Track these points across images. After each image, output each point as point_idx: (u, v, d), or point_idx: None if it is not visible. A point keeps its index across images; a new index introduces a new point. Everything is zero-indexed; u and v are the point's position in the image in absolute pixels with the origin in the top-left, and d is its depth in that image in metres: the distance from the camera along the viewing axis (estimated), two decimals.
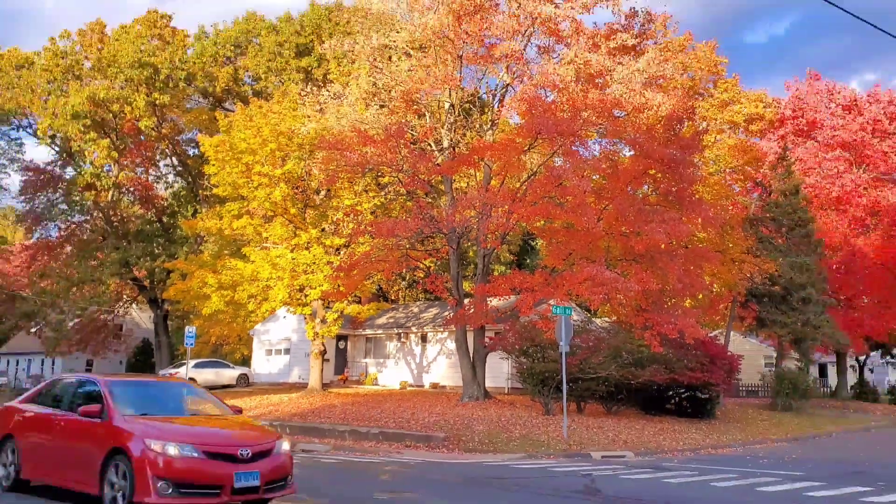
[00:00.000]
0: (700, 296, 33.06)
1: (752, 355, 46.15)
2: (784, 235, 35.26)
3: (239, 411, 10.91)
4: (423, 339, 38.51)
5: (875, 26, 12.85)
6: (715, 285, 33.07)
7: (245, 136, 30.67)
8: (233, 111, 38.37)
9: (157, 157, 49.55)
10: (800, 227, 35.29)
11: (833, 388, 45.98)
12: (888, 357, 49.78)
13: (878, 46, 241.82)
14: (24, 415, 10.78)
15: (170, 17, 46.51)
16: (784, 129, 44.05)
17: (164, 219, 49.15)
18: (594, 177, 26.91)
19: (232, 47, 46.36)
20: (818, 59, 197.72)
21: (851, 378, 46.93)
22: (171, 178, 51.50)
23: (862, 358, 47.87)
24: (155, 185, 50.85)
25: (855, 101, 44.85)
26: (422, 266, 32.28)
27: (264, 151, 30.34)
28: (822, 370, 55.19)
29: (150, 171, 49.94)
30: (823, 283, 35.41)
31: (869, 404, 40.46)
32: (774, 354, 38.34)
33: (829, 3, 11.55)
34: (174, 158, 49.48)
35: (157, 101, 42.33)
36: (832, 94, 45.28)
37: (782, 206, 35.63)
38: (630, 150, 27.21)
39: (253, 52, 44.66)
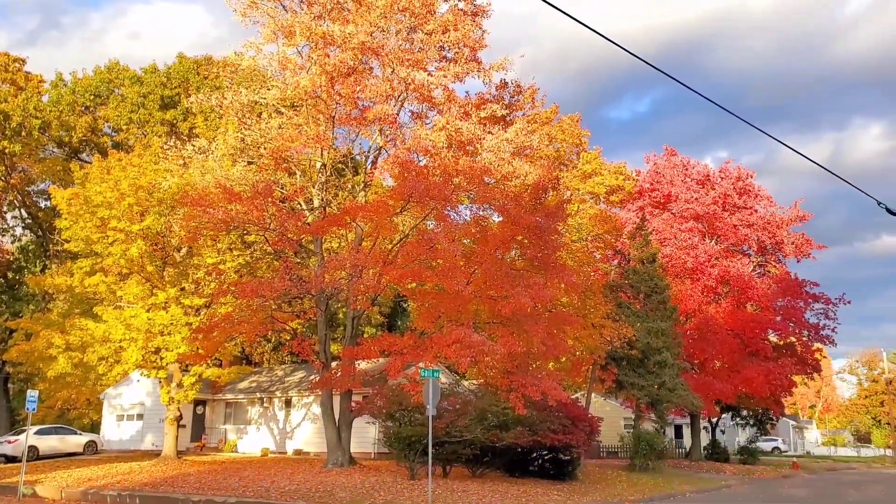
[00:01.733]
0: (563, 359, 34.02)
1: (612, 417, 47.70)
2: (642, 301, 36.96)
3: None
4: (288, 403, 37.49)
5: (725, 109, 13.95)
6: (577, 349, 33.97)
7: (102, 190, 29.35)
8: (90, 163, 36.81)
9: (4, 209, 46.62)
10: (656, 294, 37.12)
11: (688, 449, 47.97)
12: (738, 419, 52.47)
13: (729, 126, 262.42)
14: None
15: (23, 61, 44.48)
16: (642, 201, 46.71)
17: (9, 274, 46.01)
18: (464, 241, 27.34)
19: (92, 96, 44.70)
20: (677, 135, 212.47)
21: (705, 439, 49.16)
22: (18, 231, 48.46)
23: (714, 420, 50.28)
24: (0, 238, 47.70)
25: (707, 176, 48.24)
26: (288, 328, 31.62)
27: (122, 206, 29.08)
28: (678, 431, 57.62)
29: None
30: (678, 347, 37.24)
31: (721, 464, 42.42)
32: (633, 416, 39.73)
33: (685, 86, 12.50)
34: (23, 210, 46.76)
35: (7, 150, 40.11)
36: (687, 169, 48.50)
37: (640, 273, 37.44)
38: (499, 217, 27.93)
39: (114, 102, 43.22)
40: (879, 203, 18.31)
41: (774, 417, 53.66)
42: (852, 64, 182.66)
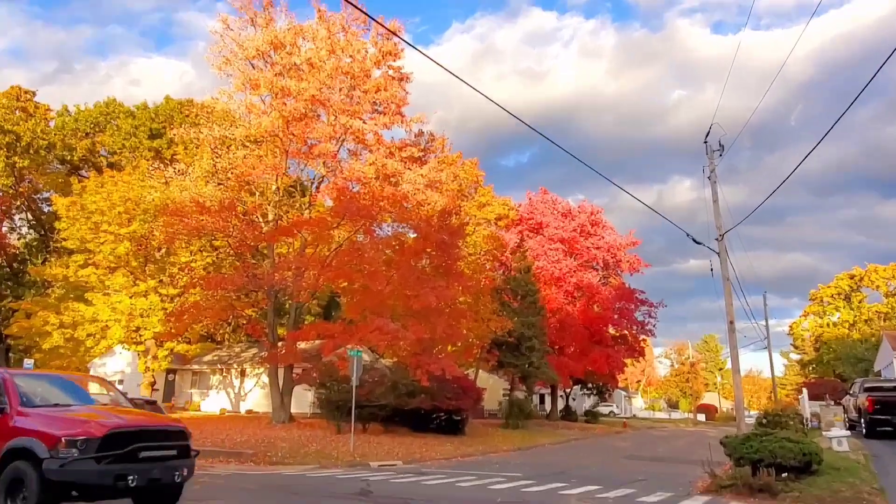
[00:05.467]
0: (459, 343, 34.02)
1: (494, 387, 47.86)
2: (519, 301, 37.29)
3: None
4: (242, 373, 36.27)
5: (583, 162, 14.38)
6: (469, 336, 33.95)
7: (96, 199, 27.89)
8: (88, 178, 34.73)
9: (13, 212, 43.40)
10: (529, 296, 37.59)
11: (548, 412, 48.69)
12: (585, 389, 53.53)
13: (584, 176, 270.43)
14: None
15: (33, 93, 41.61)
16: (521, 227, 47.22)
17: (14, 265, 42.79)
18: (386, 251, 27.08)
19: (91, 125, 42.16)
20: (547, 181, 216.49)
21: (561, 404, 49.96)
22: (24, 230, 45.17)
23: (567, 390, 51.11)
24: (8, 235, 44.32)
25: (569, 210, 49.06)
26: (244, 314, 30.59)
27: (112, 213, 27.64)
28: (542, 399, 58.34)
29: (5, 222, 43.55)
30: (544, 336, 37.78)
31: (572, 423, 43.25)
32: (509, 387, 40.11)
33: (554, 143, 12.79)
34: (29, 214, 43.67)
35: (17, 164, 37.45)
36: (555, 204, 49.25)
37: (518, 280, 37.86)
38: (413, 233, 27.85)
39: (111, 131, 40.94)
40: (688, 234, 19.23)
41: (611, 389, 55.07)
42: (671, 137, 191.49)
